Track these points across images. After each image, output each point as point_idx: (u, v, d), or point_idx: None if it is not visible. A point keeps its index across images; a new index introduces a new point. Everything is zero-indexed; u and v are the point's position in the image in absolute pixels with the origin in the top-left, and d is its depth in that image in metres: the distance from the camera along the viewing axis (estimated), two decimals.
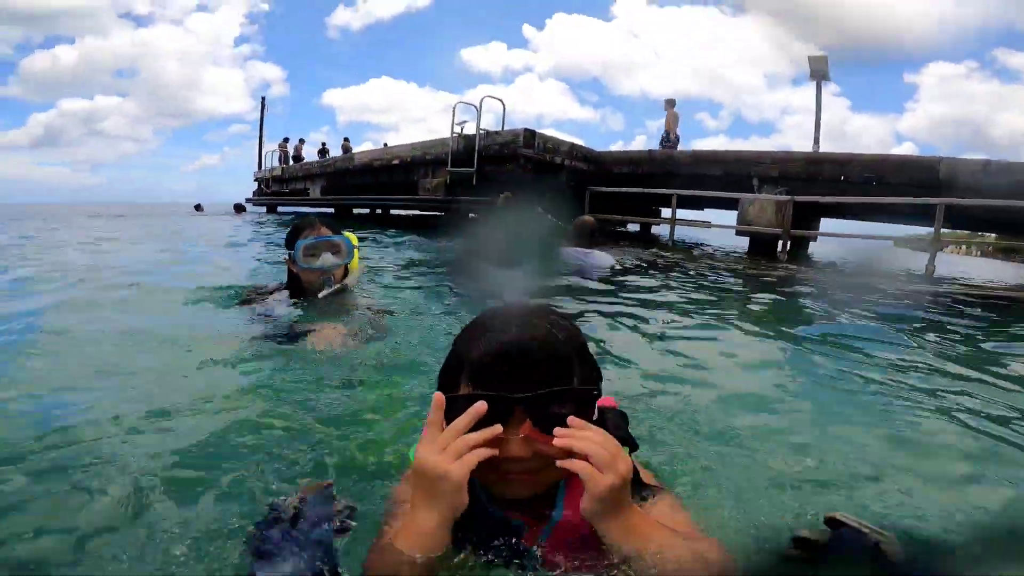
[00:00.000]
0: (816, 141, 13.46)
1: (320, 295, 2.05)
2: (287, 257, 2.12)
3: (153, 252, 5.91)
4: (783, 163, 8.90)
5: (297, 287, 2.14)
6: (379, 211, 15.42)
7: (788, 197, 8.02)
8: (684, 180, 9.68)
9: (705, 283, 5.10)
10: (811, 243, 12.14)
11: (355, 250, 2.18)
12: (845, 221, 9.73)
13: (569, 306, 3.30)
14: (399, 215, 14.23)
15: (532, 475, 0.74)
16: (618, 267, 4.96)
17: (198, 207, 19.72)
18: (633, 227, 13.14)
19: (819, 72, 13.74)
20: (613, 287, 4.22)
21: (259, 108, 24.06)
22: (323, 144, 19.22)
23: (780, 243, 8.11)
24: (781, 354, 2.63)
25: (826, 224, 9.79)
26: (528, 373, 0.72)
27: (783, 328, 3.18)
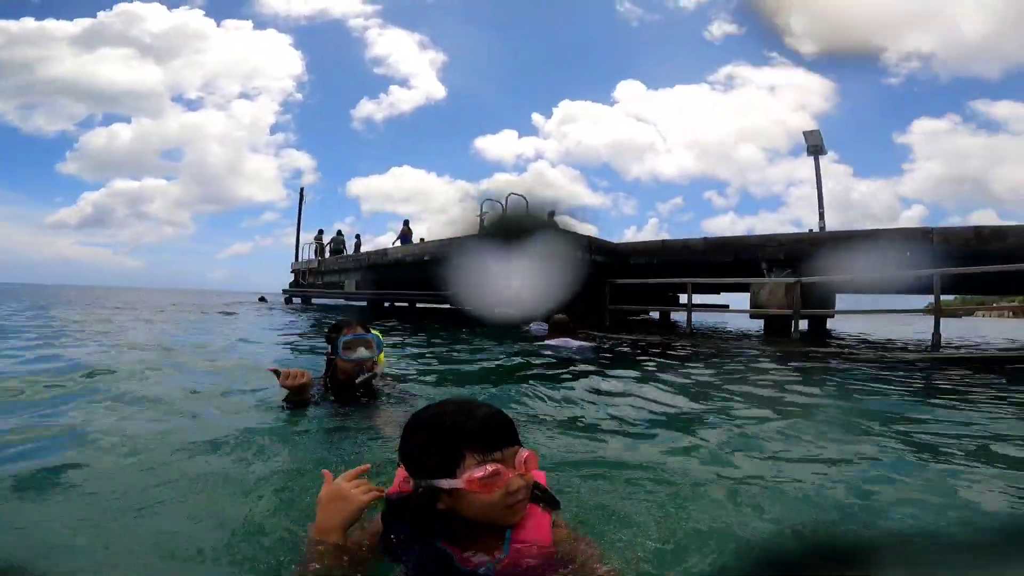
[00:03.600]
0: (821, 216, 13.62)
1: (356, 380, 2.46)
2: (329, 350, 2.52)
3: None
4: (787, 246, 9.49)
5: (335, 373, 2.53)
6: (404, 304, 16.21)
7: (795, 279, 8.44)
8: (699, 267, 10.22)
9: (697, 362, 5.52)
10: (829, 320, 12.32)
11: (383, 346, 2.62)
12: (863, 296, 9.97)
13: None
14: (429, 308, 14.93)
15: (523, 503, 1.03)
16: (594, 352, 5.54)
17: (262, 299, 23.68)
18: (655, 314, 13.55)
19: (815, 147, 14.08)
20: (591, 367, 4.62)
21: (291, 197, 26.15)
22: (357, 236, 20.58)
23: (792, 323, 8.41)
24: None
25: (843, 300, 10.06)
26: (511, 431, 1.06)
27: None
